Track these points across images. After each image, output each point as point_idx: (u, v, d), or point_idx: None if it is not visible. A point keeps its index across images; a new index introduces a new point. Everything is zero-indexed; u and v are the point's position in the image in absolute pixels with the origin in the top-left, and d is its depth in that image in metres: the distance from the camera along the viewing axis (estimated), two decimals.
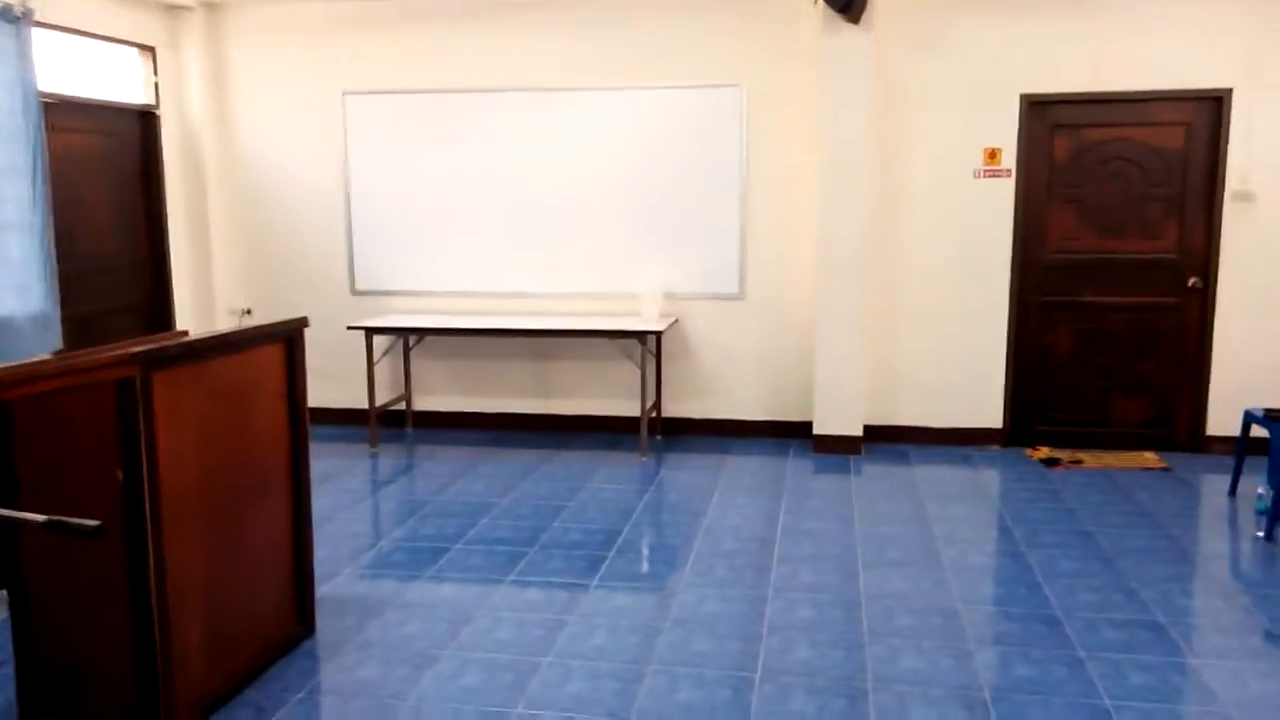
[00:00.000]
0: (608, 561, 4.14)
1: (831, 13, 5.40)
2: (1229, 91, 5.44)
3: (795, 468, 5.58)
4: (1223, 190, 5.52)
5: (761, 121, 5.94)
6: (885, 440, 6.05)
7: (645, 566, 4.09)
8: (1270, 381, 5.53)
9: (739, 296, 6.13)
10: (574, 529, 4.55)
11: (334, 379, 6.55)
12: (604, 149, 6.11)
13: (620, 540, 4.40)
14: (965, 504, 4.90)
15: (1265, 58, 5.38)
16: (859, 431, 5.84)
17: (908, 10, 5.69)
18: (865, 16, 5.41)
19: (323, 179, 6.44)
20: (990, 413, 5.95)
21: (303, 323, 3.36)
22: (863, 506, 4.86)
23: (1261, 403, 5.39)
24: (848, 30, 5.46)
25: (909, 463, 5.66)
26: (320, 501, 4.94)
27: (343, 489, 5.21)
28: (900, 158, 5.83)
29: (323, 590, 3.83)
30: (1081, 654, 3.27)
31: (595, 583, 3.91)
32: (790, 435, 6.17)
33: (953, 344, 5.93)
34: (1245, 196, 5.49)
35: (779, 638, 3.41)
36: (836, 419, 5.83)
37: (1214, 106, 5.49)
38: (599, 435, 6.32)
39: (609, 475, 5.43)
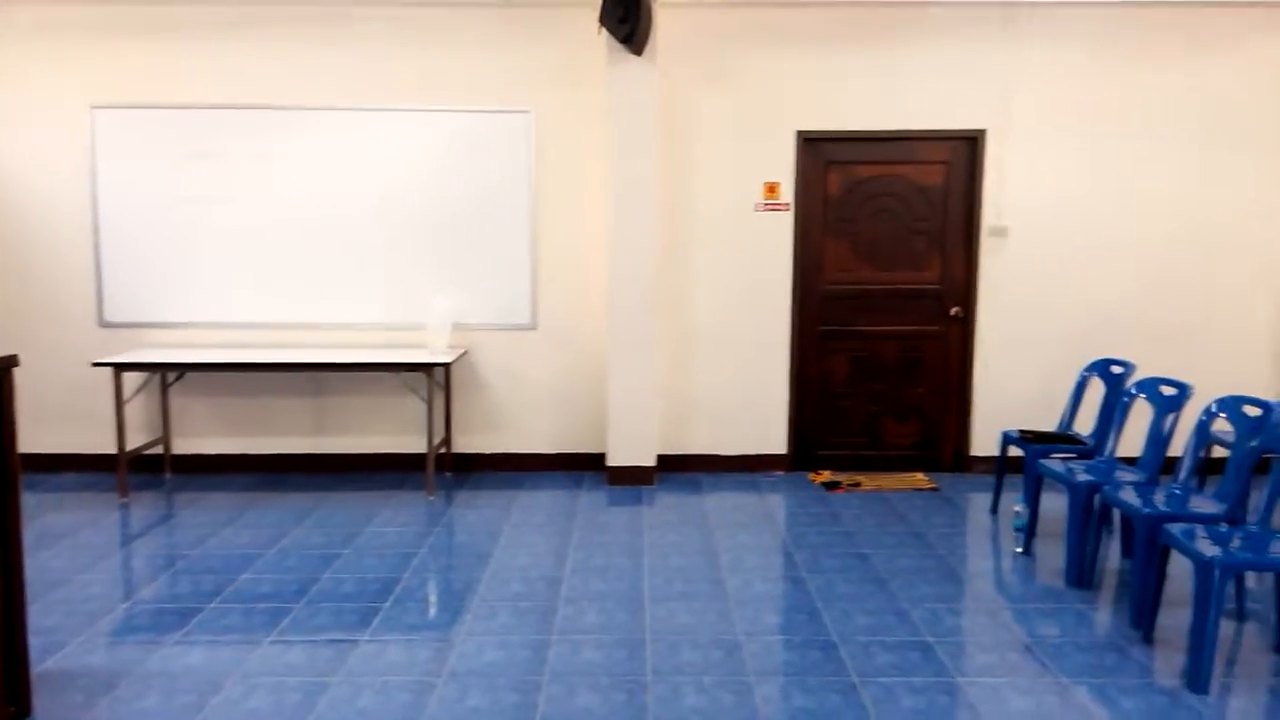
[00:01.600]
0: (382, 613, 3.87)
1: (615, 43, 5.40)
2: (983, 132, 5.85)
3: (588, 501, 5.48)
4: (979, 225, 5.91)
5: (551, 148, 5.86)
6: (678, 469, 6.06)
7: (423, 616, 3.85)
8: (1025, 404, 5.95)
9: (531, 326, 6.00)
10: (348, 579, 4.24)
11: (79, 421, 5.90)
12: (388, 173, 5.85)
13: (399, 588, 4.13)
14: (751, 531, 4.94)
15: (1014, 101, 5.82)
16: (652, 461, 5.82)
17: (690, 44, 5.79)
18: (648, 48, 5.45)
19: (66, 200, 5.81)
20: (776, 439, 6.08)
21: (10, 361, 2.93)
22: (653, 539, 4.82)
23: (1018, 424, 5.78)
24: (632, 61, 5.48)
25: (700, 491, 5.68)
26: (53, 562, 4.39)
27: (82, 546, 4.65)
28: (688, 189, 5.90)
29: (45, 665, 3.36)
30: (856, 680, 3.32)
31: (367, 637, 3.63)
32: (584, 467, 6.08)
33: (740, 372, 6.03)
34: (999, 231, 5.90)
35: (560, 685, 3.26)
36: (630, 450, 5.79)
37: (970, 146, 5.88)
38: (383, 475, 5.99)
39: (391, 518, 5.14)
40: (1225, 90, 5.80)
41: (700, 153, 5.88)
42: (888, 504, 5.43)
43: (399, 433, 6.03)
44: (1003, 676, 3.36)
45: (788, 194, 5.89)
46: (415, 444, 6.02)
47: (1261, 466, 4.04)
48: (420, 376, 5.89)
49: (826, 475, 5.95)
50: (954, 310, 6.00)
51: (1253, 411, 3.92)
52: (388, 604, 3.95)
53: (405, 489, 5.67)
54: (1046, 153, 5.86)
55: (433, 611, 3.89)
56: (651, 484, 5.80)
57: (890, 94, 5.82)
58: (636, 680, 3.30)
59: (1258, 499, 3.80)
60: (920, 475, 5.98)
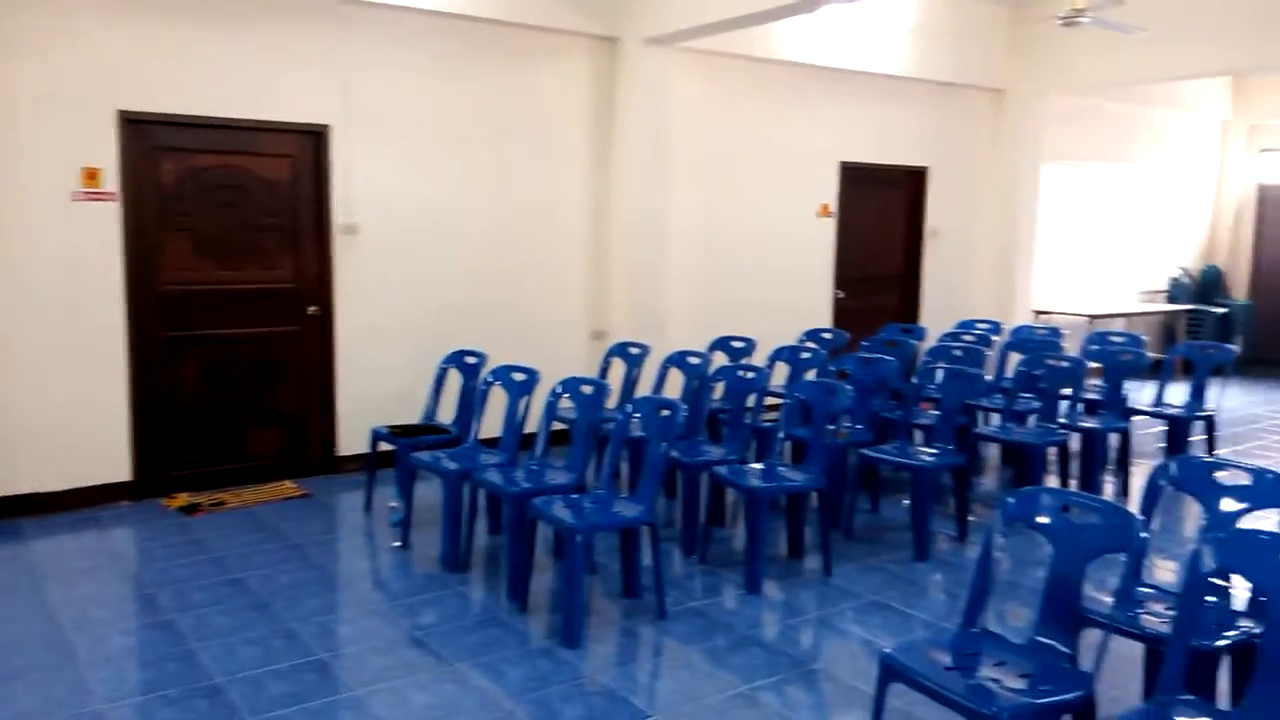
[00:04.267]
0: None
1: None
2: (327, 128, 5.73)
3: None
4: (331, 222, 5.79)
5: None
6: None
7: None
8: (391, 400, 5.98)
9: None
10: None
11: None
12: None
13: None
14: (98, 578, 4.20)
15: (355, 99, 5.78)
16: None
17: None
18: None
19: None
20: (117, 465, 5.27)
21: None
22: None
23: (385, 419, 5.81)
24: None
25: (23, 539, 4.66)
26: None
27: None
28: None
29: None
30: None
31: None
32: None
33: (63, 391, 5.08)
34: (351, 229, 5.85)
35: None
36: None
37: (316, 141, 5.73)
38: None
39: None
40: (530, 103, 6.50)
41: None
42: (257, 519, 5.07)
43: None
44: (401, 676, 3.34)
45: (112, 182, 5.10)
46: None
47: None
48: None
49: (184, 498, 5.34)
50: (311, 309, 5.82)
51: (588, 390, 4.48)
52: None
53: None
54: (389, 151, 5.94)
55: None
56: None
57: (229, 79, 5.37)
58: None
59: (597, 465, 4.36)
60: (288, 484, 5.70)
